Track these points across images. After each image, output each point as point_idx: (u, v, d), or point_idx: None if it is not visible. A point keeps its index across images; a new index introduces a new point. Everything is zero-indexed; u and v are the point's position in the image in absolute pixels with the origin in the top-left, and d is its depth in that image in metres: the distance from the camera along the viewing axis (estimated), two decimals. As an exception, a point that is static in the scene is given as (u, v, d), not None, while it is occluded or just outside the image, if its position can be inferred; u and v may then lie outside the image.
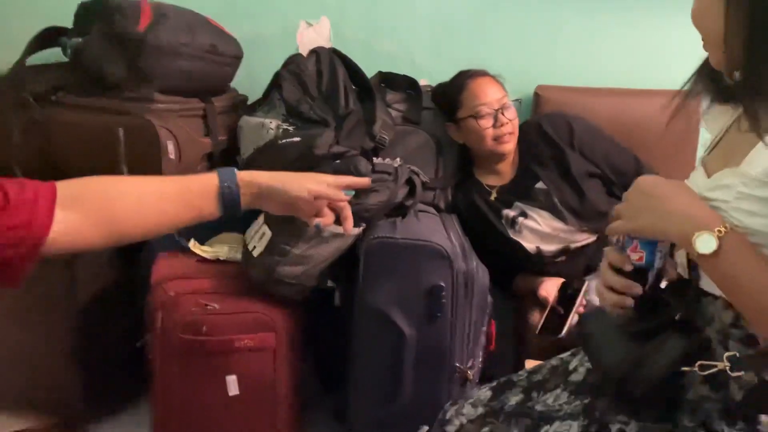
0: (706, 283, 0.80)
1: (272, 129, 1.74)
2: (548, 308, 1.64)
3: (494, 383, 1.10)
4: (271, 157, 1.67)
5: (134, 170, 1.68)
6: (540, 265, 1.73)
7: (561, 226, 1.70)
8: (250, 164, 1.74)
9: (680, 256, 0.86)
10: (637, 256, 0.84)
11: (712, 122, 0.95)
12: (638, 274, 0.84)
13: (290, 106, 1.76)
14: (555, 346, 1.54)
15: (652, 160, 1.80)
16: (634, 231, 0.83)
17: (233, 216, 0.99)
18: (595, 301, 1.60)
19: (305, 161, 1.58)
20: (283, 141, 1.65)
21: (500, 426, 0.98)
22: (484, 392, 1.09)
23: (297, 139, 1.63)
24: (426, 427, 1.58)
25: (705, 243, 0.74)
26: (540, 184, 1.73)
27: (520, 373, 1.10)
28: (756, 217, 0.73)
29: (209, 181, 0.95)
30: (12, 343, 1.68)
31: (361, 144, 1.66)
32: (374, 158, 1.66)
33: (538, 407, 0.97)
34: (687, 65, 2.05)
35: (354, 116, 1.71)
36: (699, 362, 0.77)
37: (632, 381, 0.79)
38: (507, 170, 1.81)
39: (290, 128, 1.73)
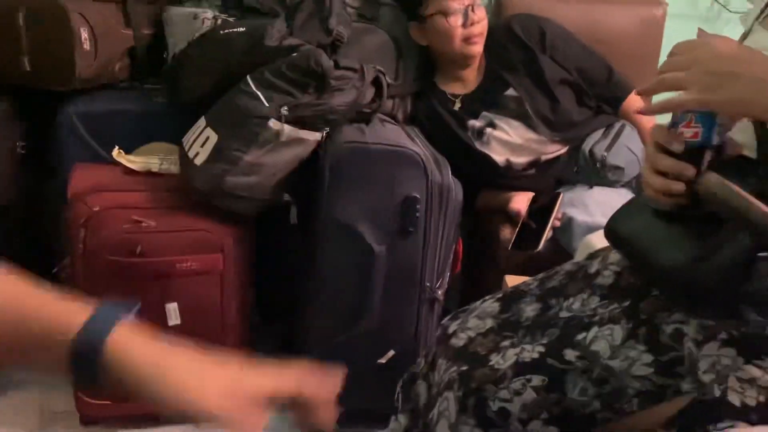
0: None
1: (208, 19, 1.50)
2: (520, 223, 1.54)
3: (499, 293, 0.98)
4: (210, 50, 1.43)
5: (39, 63, 1.39)
6: (509, 178, 1.62)
7: (533, 136, 1.59)
8: (182, 60, 1.48)
9: (744, 133, 0.75)
10: (691, 132, 0.72)
11: None
12: (692, 154, 0.72)
13: (229, -7, 1.51)
14: (531, 261, 1.45)
15: (619, 69, 1.71)
16: (714, 104, 0.69)
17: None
18: (571, 214, 1.51)
19: (254, 54, 1.36)
20: (226, 31, 1.40)
21: (522, 339, 0.85)
22: (489, 303, 0.96)
23: (242, 29, 1.40)
24: (392, 352, 1.48)
25: None
26: (510, 91, 1.60)
27: (528, 281, 0.98)
28: None
29: (65, 327, 0.50)
30: None
31: (317, 39, 1.44)
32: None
33: (563, 314, 0.86)
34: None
35: (306, 8, 1.48)
36: None
37: (704, 273, 0.68)
38: (472, 77, 1.66)
39: (230, 19, 1.48)
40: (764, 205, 0.61)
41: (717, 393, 0.69)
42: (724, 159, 0.75)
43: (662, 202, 0.75)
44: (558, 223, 1.52)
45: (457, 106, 1.64)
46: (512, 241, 1.52)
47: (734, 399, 0.68)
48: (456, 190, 1.43)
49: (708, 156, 0.73)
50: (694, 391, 0.71)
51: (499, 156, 1.61)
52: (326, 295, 1.43)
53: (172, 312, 1.35)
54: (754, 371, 0.68)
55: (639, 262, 0.80)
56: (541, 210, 1.55)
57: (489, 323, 0.92)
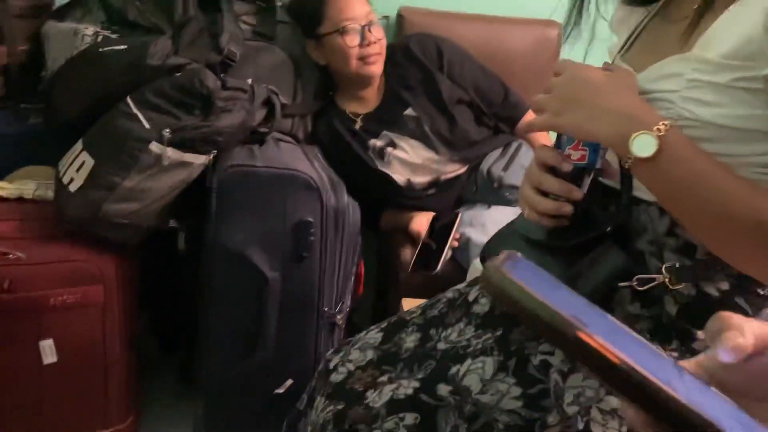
0: (639, 189, 0.71)
1: (89, 36, 1.40)
2: (420, 243, 1.53)
3: (384, 323, 0.95)
4: (88, 69, 1.34)
5: None
6: (410, 198, 1.61)
7: (432, 156, 1.59)
8: (58, 79, 1.39)
9: (613, 158, 0.76)
10: (578, 154, 0.71)
11: (620, 24, 0.86)
12: (577, 175, 0.72)
13: (113, 9, 1.43)
14: (430, 282, 1.44)
15: (516, 88, 1.74)
16: (558, 128, 0.70)
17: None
18: (469, 234, 1.51)
19: (135, 73, 1.29)
20: (105, 49, 1.33)
21: (400, 374, 0.83)
22: (373, 334, 0.93)
23: (123, 46, 1.32)
24: (291, 381, 1.43)
25: (644, 145, 0.63)
26: (409, 111, 1.59)
27: (412, 309, 0.96)
28: (710, 107, 0.64)
29: None
30: None
31: (206, 57, 1.38)
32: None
33: (441, 345, 0.84)
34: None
35: (195, 24, 1.42)
36: (636, 276, 0.67)
37: None
38: (372, 96, 1.64)
39: (113, 36, 1.40)
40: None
41: (580, 425, 0.68)
42: (595, 182, 0.75)
43: (544, 222, 0.74)
44: (456, 244, 1.51)
45: (358, 125, 1.62)
46: (412, 261, 1.51)
47: (597, 431, 0.68)
48: (353, 212, 1.40)
49: (589, 178, 0.73)
50: (560, 424, 0.70)
51: (399, 176, 1.59)
52: (220, 324, 1.37)
53: (48, 349, 1.25)
54: (614, 402, 0.68)
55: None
56: (441, 230, 1.54)
57: (369, 355, 0.90)
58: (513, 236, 0.80)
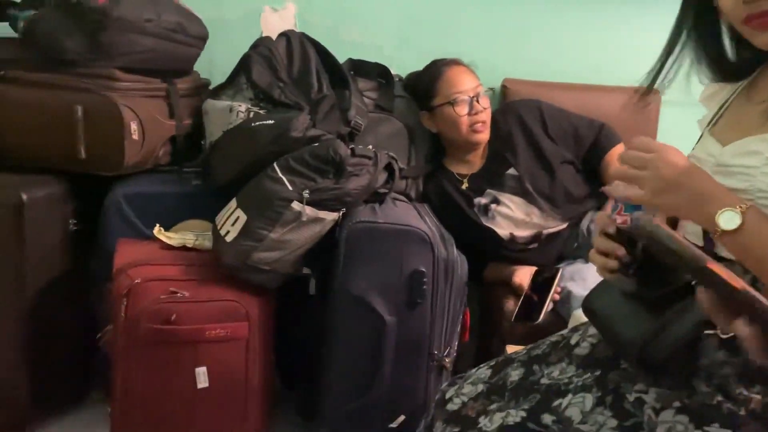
0: (722, 249, 0.82)
1: (242, 112, 1.68)
2: (523, 296, 1.65)
3: (492, 362, 1.09)
4: (242, 140, 1.60)
5: (94, 152, 1.58)
6: (513, 252, 1.74)
7: (534, 212, 1.72)
8: (216, 148, 1.67)
9: (694, 226, 0.88)
10: (621, 219, 0.86)
11: (710, 99, 0.99)
12: (623, 237, 0.85)
13: (260, 89, 1.70)
14: (532, 332, 1.55)
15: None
16: (653, 205, 0.82)
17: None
18: (570, 287, 1.62)
19: (280, 144, 1.53)
20: (256, 123, 1.59)
21: (508, 404, 0.96)
22: (483, 370, 1.07)
23: (271, 121, 1.58)
24: (403, 417, 1.57)
25: (729, 220, 0.75)
26: (511, 170, 1.75)
27: (518, 350, 1.09)
28: None
29: None
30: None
31: (337, 129, 1.62)
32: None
33: (544, 380, 0.97)
34: (647, 63, 2.12)
35: (328, 101, 1.67)
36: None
37: (654, 348, 0.79)
38: (477, 160, 1.81)
39: (261, 111, 1.67)
40: (695, 246, 0.72)
41: (671, 455, 0.79)
42: None
43: (605, 277, 0.88)
44: (558, 297, 1.62)
45: (465, 185, 1.79)
46: (515, 312, 1.63)
47: (686, 460, 0.78)
48: (461, 264, 1.55)
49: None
50: (653, 453, 0.80)
51: (503, 230, 1.73)
52: (341, 363, 1.54)
53: (202, 375, 1.47)
54: (702, 436, 0.78)
55: (606, 336, 0.91)
56: (543, 283, 1.66)
57: (480, 388, 1.03)
58: (611, 288, 0.93)
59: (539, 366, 1.00)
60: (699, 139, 0.98)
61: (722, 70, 0.94)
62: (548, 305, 1.59)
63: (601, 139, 1.80)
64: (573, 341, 1.01)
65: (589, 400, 0.88)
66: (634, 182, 0.84)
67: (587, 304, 0.97)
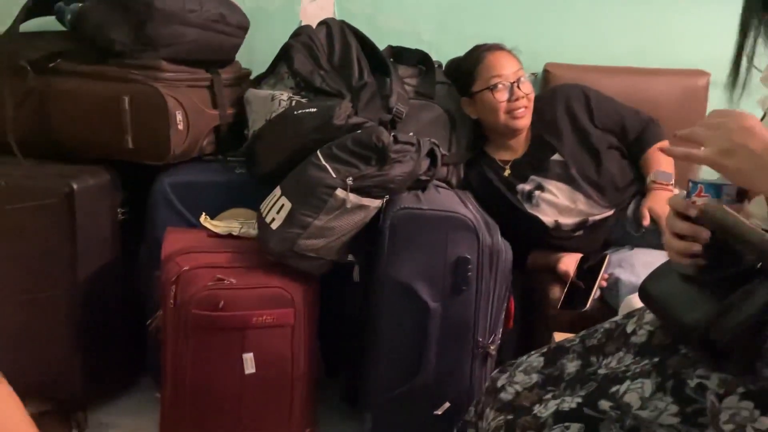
0: None
1: (284, 101, 1.68)
2: (569, 283, 1.63)
3: (544, 349, 1.07)
4: (285, 128, 1.61)
5: (140, 141, 1.61)
6: (558, 239, 1.72)
7: (580, 198, 1.69)
8: (259, 137, 1.68)
9: (758, 206, 0.85)
10: (702, 201, 0.83)
11: None
12: (703, 220, 0.83)
13: (302, 77, 1.70)
14: (579, 320, 1.53)
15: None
16: (721, 168, 0.79)
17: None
18: (618, 274, 1.59)
19: (323, 132, 1.54)
20: (299, 112, 1.59)
21: (563, 392, 0.95)
22: (535, 357, 1.06)
23: (313, 109, 1.58)
24: (448, 404, 1.57)
25: None
26: (556, 156, 1.72)
27: (570, 338, 1.07)
28: None
29: None
30: (9, 322, 1.58)
31: (379, 116, 1.61)
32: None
33: (602, 371, 0.95)
34: (693, 45, 2.08)
35: (369, 88, 1.67)
36: None
37: (718, 330, 0.77)
38: (520, 145, 1.79)
39: (303, 100, 1.68)
40: (758, 227, 0.70)
41: (736, 441, 0.77)
42: None
43: (683, 263, 0.85)
44: (605, 283, 1.59)
45: (507, 172, 1.77)
46: (561, 300, 1.61)
47: (752, 447, 0.76)
48: (506, 251, 1.53)
49: None
50: (717, 439, 0.79)
51: (548, 217, 1.71)
52: (386, 350, 1.54)
53: (249, 361, 1.49)
54: (767, 422, 0.76)
55: (666, 320, 0.89)
56: (589, 270, 1.63)
57: (534, 378, 1.02)
58: (670, 273, 0.91)
59: (596, 357, 0.99)
60: (763, 119, 0.95)
61: None
62: (596, 292, 1.56)
63: (647, 132, 1.76)
64: (629, 329, 0.99)
65: (648, 385, 0.86)
66: (701, 142, 0.81)
67: (645, 289, 0.95)
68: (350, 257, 1.56)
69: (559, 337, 1.44)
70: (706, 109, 1.94)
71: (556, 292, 1.65)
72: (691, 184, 0.86)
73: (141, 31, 1.58)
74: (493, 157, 1.80)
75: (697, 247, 0.83)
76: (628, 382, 0.88)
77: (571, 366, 1.00)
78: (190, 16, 1.65)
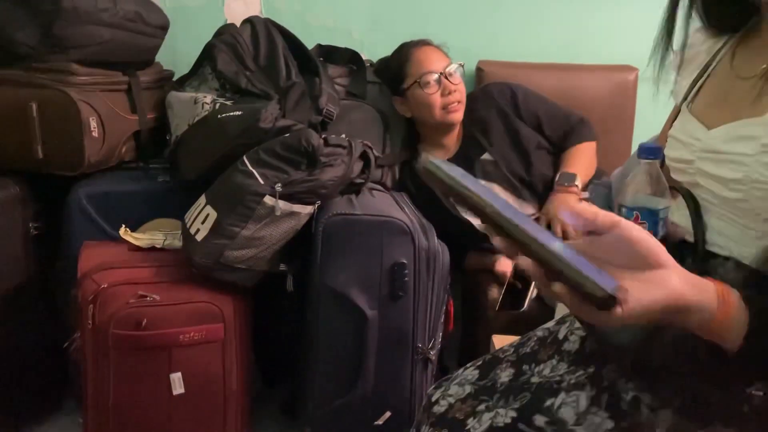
0: (713, 245, 0.77)
1: (207, 104, 1.60)
2: (506, 283, 1.61)
3: (479, 361, 1.04)
4: (209, 133, 1.53)
5: (51, 151, 1.50)
6: (491, 242, 1.70)
7: (511, 198, 1.68)
8: (182, 143, 1.59)
9: (681, 219, 0.83)
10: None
11: (688, 63, 0.88)
12: None
13: (226, 78, 1.62)
14: (517, 320, 1.51)
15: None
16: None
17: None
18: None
19: (249, 136, 1.47)
20: (223, 115, 1.51)
21: (496, 404, 0.92)
22: (470, 371, 1.03)
23: (238, 112, 1.51)
24: (389, 413, 1.53)
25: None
26: (486, 156, 1.70)
27: (505, 348, 1.05)
28: None
29: None
30: None
31: (308, 118, 1.55)
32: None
33: (534, 379, 0.93)
34: (622, 41, 2.09)
35: (297, 89, 1.60)
36: None
37: (649, 353, 0.75)
38: (452, 143, 1.76)
39: (228, 102, 1.60)
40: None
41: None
42: (668, 244, 0.82)
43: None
44: (541, 283, 1.58)
45: (442, 172, 1.74)
46: (499, 301, 1.59)
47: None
48: (443, 253, 1.50)
49: None
50: (651, 453, 0.77)
51: (479, 221, 1.69)
52: (323, 360, 1.49)
53: (177, 381, 1.41)
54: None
55: (594, 336, 0.87)
56: (525, 270, 1.62)
57: (468, 389, 0.99)
58: None
59: (529, 365, 0.96)
60: (677, 115, 0.90)
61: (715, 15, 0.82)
62: (532, 292, 1.54)
63: (572, 133, 1.74)
64: (561, 335, 0.97)
65: (583, 399, 0.84)
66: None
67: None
68: (282, 266, 1.50)
69: (498, 339, 1.42)
70: (635, 104, 1.96)
71: (495, 293, 1.63)
72: (626, 210, 0.77)
73: (49, 31, 1.47)
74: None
75: None
76: (563, 395, 0.86)
77: (504, 375, 0.97)
78: (103, 15, 1.54)
